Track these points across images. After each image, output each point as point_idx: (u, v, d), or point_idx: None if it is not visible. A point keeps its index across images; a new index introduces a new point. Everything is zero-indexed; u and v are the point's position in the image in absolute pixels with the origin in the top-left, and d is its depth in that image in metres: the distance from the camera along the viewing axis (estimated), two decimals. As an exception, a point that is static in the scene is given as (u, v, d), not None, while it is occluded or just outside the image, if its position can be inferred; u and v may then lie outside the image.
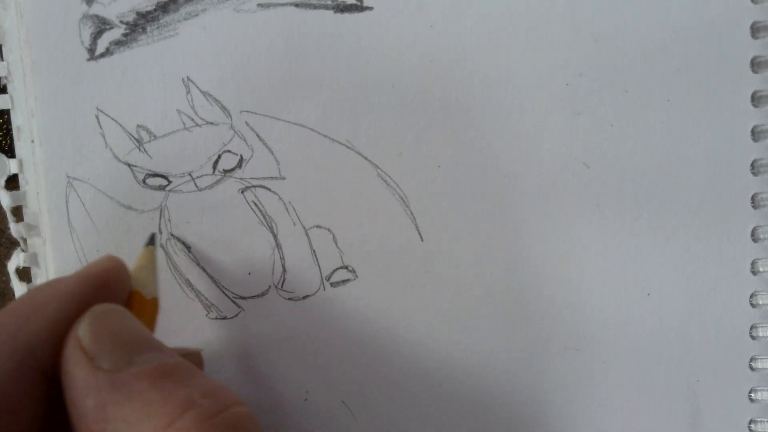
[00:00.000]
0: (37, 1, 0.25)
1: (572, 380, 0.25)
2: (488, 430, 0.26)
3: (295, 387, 0.26)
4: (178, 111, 0.25)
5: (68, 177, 0.26)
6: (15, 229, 0.26)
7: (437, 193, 0.25)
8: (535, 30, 0.25)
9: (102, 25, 0.25)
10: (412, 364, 0.26)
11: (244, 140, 0.25)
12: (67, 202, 0.26)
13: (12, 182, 0.27)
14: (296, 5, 0.25)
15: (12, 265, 0.27)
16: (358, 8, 0.25)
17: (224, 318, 0.26)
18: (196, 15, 0.25)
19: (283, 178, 0.26)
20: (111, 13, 0.25)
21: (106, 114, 0.26)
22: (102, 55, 0.26)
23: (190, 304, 0.26)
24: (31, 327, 0.17)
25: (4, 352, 0.17)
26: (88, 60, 0.26)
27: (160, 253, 0.26)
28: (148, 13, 0.25)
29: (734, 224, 0.25)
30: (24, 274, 0.27)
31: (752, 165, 0.25)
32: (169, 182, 0.26)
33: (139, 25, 0.25)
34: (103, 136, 0.26)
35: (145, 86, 0.25)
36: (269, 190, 0.26)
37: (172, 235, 0.26)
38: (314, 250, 0.26)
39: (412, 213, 0.26)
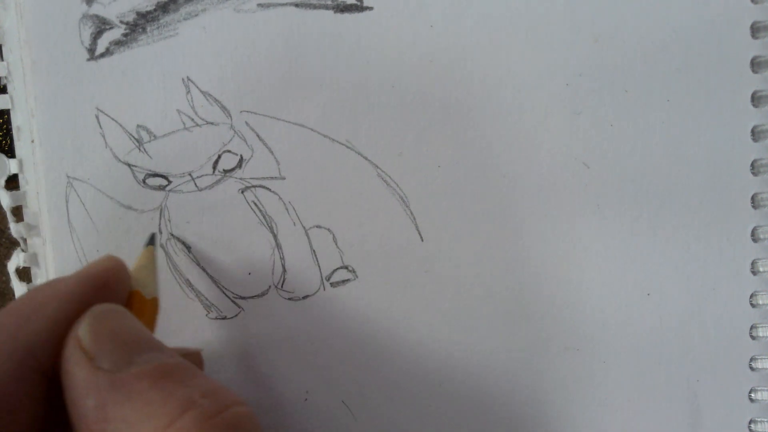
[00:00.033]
0: (37, 1, 0.25)
1: (572, 380, 0.25)
2: (488, 430, 0.26)
3: (295, 387, 0.26)
4: (178, 111, 0.25)
5: (68, 177, 0.26)
6: (15, 229, 0.26)
7: (437, 193, 0.25)
8: (535, 30, 0.25)
9: (102, 25, 0.25)
10: (412, 364, 0.26)
11: (244, 140, 0.25)
12: (67, 202, 0.26)
13: (12, 182, 0.27)
14: (296, 5, 0.25)
15: (12, 265, 0.27)
16: (358, 8, 0.25)
17: (224, 318, 0.26)
18: (196, 15, 0.25)
19: (283, 178, 0.26)
20: (111, 13, 0.25)
21: (106, 114, 0.26)
22: (102, 55, 0.26)
23: (190, 304, 0.26)
24: (31, 327, 0.17)
25: (4, 352, 0.17)
26: (88, 60, 0.26)
27: (160, 253, 0.26)
28: (148, 13, 0.25)
29: (734, 224, 0.25)
30: (24, 274, 0.27)
31: (752, 165, 0.25)
32: (169, 182, 0.26)
33: (139, 25, 0.25)
34: (103, 136, 0.26)
35: (145, 86, 0.25)
36: (269, 190, 0.26)
37: (172, 235, 0.26)
38: (314, 250, 0.26)
39: (412, 213, 0.26)
